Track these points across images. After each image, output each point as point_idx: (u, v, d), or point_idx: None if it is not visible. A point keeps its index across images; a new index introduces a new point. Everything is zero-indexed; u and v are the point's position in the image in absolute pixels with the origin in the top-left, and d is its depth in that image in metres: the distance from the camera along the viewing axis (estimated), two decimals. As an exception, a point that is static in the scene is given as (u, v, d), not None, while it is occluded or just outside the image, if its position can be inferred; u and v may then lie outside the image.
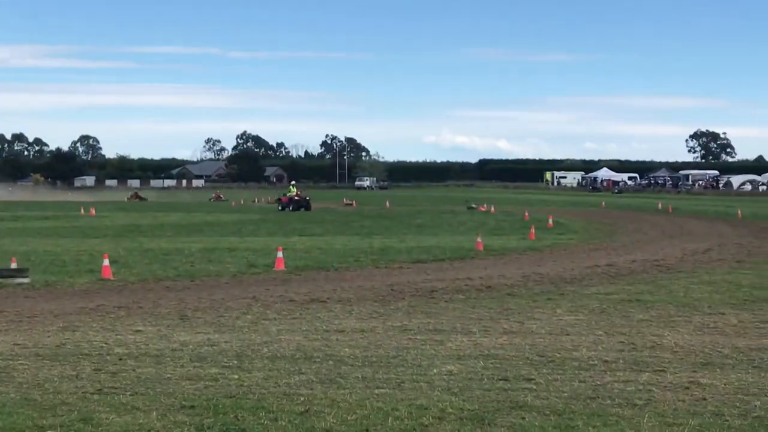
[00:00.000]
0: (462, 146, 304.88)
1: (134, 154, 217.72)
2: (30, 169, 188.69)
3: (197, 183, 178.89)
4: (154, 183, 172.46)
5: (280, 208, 70.36)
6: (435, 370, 12.61)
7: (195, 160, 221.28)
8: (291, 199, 70.23)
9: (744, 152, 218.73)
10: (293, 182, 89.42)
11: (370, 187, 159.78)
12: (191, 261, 28.89)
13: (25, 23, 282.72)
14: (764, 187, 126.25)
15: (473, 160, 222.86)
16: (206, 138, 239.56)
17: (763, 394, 11.33)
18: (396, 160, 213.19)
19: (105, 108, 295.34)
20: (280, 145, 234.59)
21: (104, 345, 14.74)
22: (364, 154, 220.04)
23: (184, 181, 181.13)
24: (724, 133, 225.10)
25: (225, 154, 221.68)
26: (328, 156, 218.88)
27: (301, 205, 69.22)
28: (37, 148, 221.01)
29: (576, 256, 31.46)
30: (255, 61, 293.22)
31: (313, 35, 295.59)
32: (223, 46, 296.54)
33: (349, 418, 9.97)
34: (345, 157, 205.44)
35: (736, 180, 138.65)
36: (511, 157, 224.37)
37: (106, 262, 25.32)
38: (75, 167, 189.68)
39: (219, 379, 12.13)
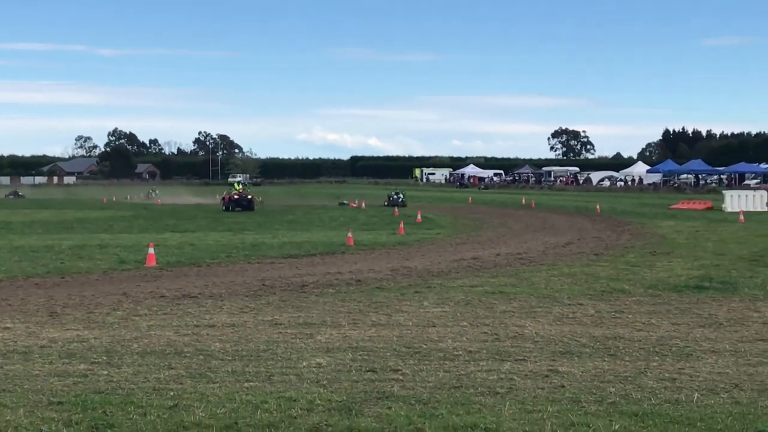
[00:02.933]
0: (333, 144, 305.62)
1: (3, 152, 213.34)
2: None
3: (69, 180, 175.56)
4: (24, 180, 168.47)
5: (223, 208, 63.03)
6: (304, 363, 12.62)
7: (66, 157, 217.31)
8: (230, 197, 63.99)
9: (603, 149, 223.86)
10: (238, 179, 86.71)
11: (243, 183, 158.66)
12: (61, 258, 28.29)
13: None
14: (621, 183, 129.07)
15: (345, 157, 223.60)
16: (77, 135, 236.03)
17: (618, 381, 11.61)
18: (269, 157, 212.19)
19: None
20: (153, 142, 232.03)
21: (-29, 342, 14.39)
22: (237, 151, 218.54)
23: (56, 178, 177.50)
24: (584, 132, 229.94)
25: (97, 151, 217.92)
26: (201, 153, 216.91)
27: (240, 204, 62.64)
28: None
29: (443, 250, 31.74)
30: (125, 58, 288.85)
31: (185, 34, 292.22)
32: (90, 43, 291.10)
33: (218, 411, 9.91)
34: (218, 154, 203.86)
35: (596, 176, 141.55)
36: (381, 154, 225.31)
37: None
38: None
39: (88, 375, 11.94)
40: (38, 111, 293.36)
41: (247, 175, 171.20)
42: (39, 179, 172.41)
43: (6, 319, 16.83)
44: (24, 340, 14.62)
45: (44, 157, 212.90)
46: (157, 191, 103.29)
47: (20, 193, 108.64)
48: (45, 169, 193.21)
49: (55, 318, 17.01)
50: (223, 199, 65.40)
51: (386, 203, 71.57)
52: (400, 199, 71.15)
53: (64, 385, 11.29)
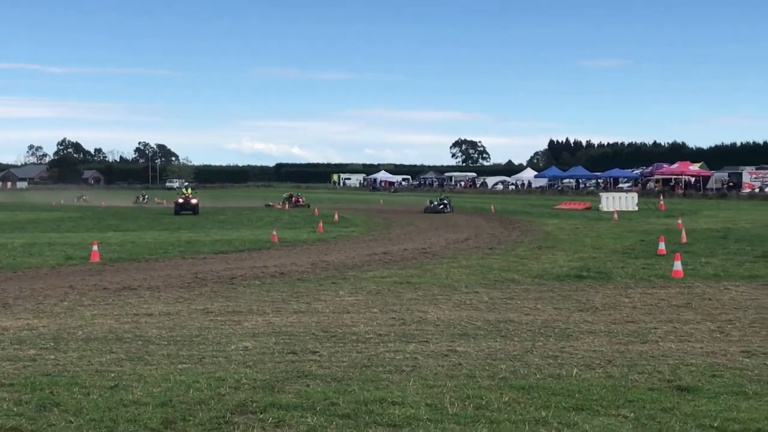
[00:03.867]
0: (260, 152, 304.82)
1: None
2: None
3: (21, 185, 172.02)
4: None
5: (174, 212, 58.04)
6: (232, 347, 12.54)
7: (19, 164, 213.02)
8: (176, 202, 60.07)
9: (496, 157, 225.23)
10: (186, 184, 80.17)
11: (179, 188, 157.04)
12: (13, 255, 27.71)
13: None
14: (513, 187, 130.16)
15: (271, 164, 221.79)
16: (29, 144, 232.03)
17: (508, 358, 11.72)
18: (202, 164, 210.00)
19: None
20: (98, 150, 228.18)
21: (-71, 332, 14.02)
22: (173, 158, 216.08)
23: (9, 183, 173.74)
24: (480, 142, 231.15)
25: (47, 159, 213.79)
26: (141, 160, 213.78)
27: (184, 208, 58.47)
28: None
29: (357, 246, 31.75)
30: (73, 75, 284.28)
31: (128, 55, 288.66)
32: (42, 61, 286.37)
33: (154, 390, 9.79)
34: (157, 161, 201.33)
35: (490, 180, 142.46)
36: (303, 162, 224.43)
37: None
38: None
39: (37, 359, 11.72)
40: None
41: (183, 180, 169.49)
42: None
43: (-38, 310, 16.46)
44: (-22, 328, 14.31)
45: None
46: (85, 197, 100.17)
47: None
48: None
49: (7, 308, 16.68)
50: (175, 203, 60.74)
51: (426, 209, 57.93)
52: (443, 206, 57.23)
53: (14, 369, 11.08)
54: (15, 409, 9.03)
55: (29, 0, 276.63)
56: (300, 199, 73.24)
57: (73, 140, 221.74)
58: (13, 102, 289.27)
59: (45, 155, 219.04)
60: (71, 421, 8.57)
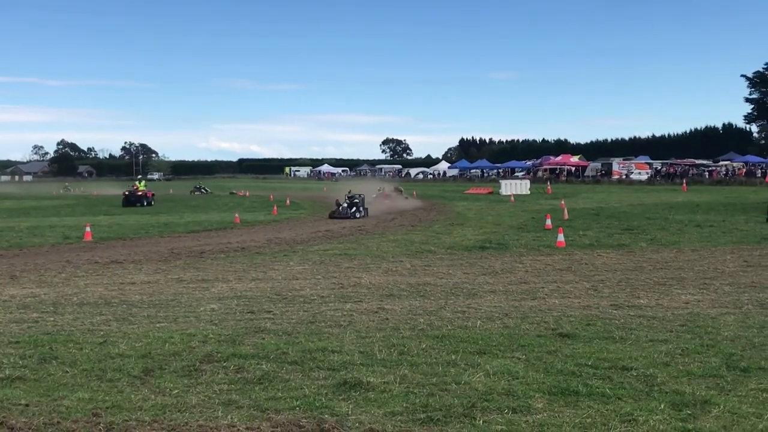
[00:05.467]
0: (225, 149, 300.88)
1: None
2: None
3: (26, 178, 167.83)
4: (2, 179, 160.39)
5: (122, 204, 48.61)
6: (201, 308, 12.40)
7: (24, 161, 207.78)
8: (124, 194, 51.22)
9: (418, 152, 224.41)
10: (139, 176, 68.66)
11: (159, 179, 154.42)
12: (20, 235, 27.05)
13: None
14: (431, 176, 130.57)
15: (234, 159, 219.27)
16: (33, 144, 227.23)
17: (425, 314, 11.76)
18: (178, 160, 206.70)
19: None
20: (91, 149, 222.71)
21: (-52, 300, 13.64)
22: (154, 155, 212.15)
23: (17, 177, 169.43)
24: (405, 140, 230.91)
25: (48, 157, 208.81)
26: (126, 157, 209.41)
27: (131, 201, 48.68)
28: None
29: (305, 225, 31.58)
30: (68, 87, 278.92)
31: (115, 68, 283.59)
32: (41, 76, 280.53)
33: (136, 345, 9.65)
34: (139, 158, 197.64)
35: (413, 171, 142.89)
36: (261, 157, 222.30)
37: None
38: None
39: (38, 321, 11.48)
40: (3, 127, 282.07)
41: (162, 173, 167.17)
42: (4, 178, 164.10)
43: (-25, 282, 16.05)
44: (-11, 297, 13.97)
45: (8, 161, 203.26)
46: (68, 186, 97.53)
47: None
48: (8, 170, 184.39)
49: (14, 280, 16.29)
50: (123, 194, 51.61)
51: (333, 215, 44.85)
52: (354, 209, 36.74)
53: (20, 329, 10.84)
54: (20, 362, 8.84)
55: (29, 21, 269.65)
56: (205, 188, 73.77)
57: (70, 141, 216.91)
58: (18, 109, 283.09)
59: (46, 153, 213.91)
60: (67, 371, 8.41)
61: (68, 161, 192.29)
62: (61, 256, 20.88)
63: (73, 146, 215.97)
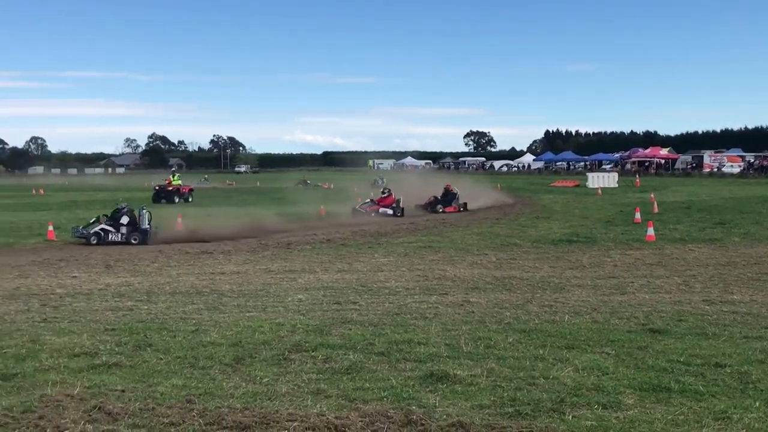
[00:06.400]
0: (310, 142, 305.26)
1: (72, 150, 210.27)
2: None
3: (119, 170, 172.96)
4: (87, 171, 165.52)
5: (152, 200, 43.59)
6: (289, 298, 12.58)
7: (117, 153, 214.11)
8: (154, 188, 47.26)
9: (502, 145, 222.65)
10: (173, 170, 63.24)
11: (246, 172, 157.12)
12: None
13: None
14: (515, 168, 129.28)
15: (318, 151, 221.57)
16: (125, 137, 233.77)
17: (512, 307, 11.68)
18: (264, 153, 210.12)
19: (50, 116, 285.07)
20: (181, 142, 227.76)
21: (49, 287, 14.17)
22: (241, 148, 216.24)
23: (110, 169, 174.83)
24: (489, 132, 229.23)
25: (139, 150, 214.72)
26: (215, 150, 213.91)
27: (160, 196, 44.35)
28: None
29: (388, 218, 31.67)
30: (157, 82, 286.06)
31: (206, 63, 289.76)
32: (131, 71, 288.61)
33: (227, 333, 9.85)
34: (227, 151, 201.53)
35: (497, 164, 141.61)
36: (344, 150, 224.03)
37: (51, 228, 24.31)
38: (28, 160, 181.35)
39: (133, 309, 11.82)
40: (97, 120, 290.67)
41: (249, 166, 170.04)
42: (97, 170, 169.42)
43: (74, 270, 16.65)
44: (87, 285, 14.46)
45: (101, 153, 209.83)
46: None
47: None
48: (101, 162, 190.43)
49: (110, 269, 16.84)
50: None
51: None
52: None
53: (116, 317, 11.19)
54: (116, 348, 9.11)
55: (122, 20, 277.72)
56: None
57: (161, 134, 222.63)
58: (111, 103, 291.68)
59: (138, 146, 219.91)
60: (161, 358, 8.64)
61: (159, 154, 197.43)
62: (155, 245, 21.47)
63: (164, 139, 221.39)
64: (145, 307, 12.01)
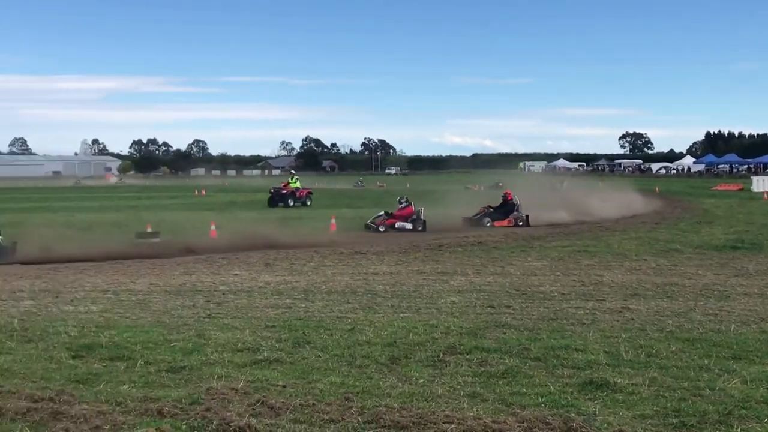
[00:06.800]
0: (459, 144, 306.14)
1: (231, 152, 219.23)
2: (160, 163, 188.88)
3: (275, 172, 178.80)
4: (245, 172, 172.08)
5: (268, 204, 43.74)
6: (442, 300, 12.62)
7: (273, 156, 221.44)
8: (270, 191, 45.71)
9: (660, 147, 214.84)
10: (292, 172, 58.11)
11: (396, 174, 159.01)
12: (269, 227, 28.74)
13: (153, 61, 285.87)
14: (674, 171, 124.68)
15: (467, 153, 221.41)
16: (281, 140, 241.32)
17: (674, 315, 11.26)
18: (413, 155, 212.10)
19: (211, 120, 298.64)
20: (333, 144, 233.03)
21: (212, 284, 14.82)
22: (391, 150, 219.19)
23: (266, 171, 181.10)
24: (645, 134, 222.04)
25: (294, 152, 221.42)
26: (366, 152, 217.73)
27: (275, 200, 43.48)
28: (164, 149, 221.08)
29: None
30: (312, 87, 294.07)
31: (356, 67, 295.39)
32: (288, 76, 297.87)
33: (382, 333, 9.98)
34: (378, 153, 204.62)
35: (655, 166, 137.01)
36: (494, 152, 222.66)
37: (213, 227, 25.39)
38: (190, 162, 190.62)
39: (291, 307, 12.17)
40: (255, 124, 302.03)
41: (399, 168, 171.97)
42: (255, 172, 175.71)
43: (235, 268, 17.32)
44: (247, 282, 15.02)
45: (258, 156, 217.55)
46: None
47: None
48: (259, 164, 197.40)
49: (269, 268, 17.41)
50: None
51: None
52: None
53: (275, 314, 11.54)
54: (276, 345, 9.40)
55: (279, 27, 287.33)
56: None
57: (314, 137, 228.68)
58: (268, 107, 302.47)
59: (293, 149, 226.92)
60: (320, 356, 8.85)
61: (313, 156, 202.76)
62: (309, 246, 22.05)
63: (317, 142, 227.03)
64: (303, 305, 12.34)
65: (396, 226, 27.27)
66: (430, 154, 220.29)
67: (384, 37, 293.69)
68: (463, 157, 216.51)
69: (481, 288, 13.98)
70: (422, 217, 27.91)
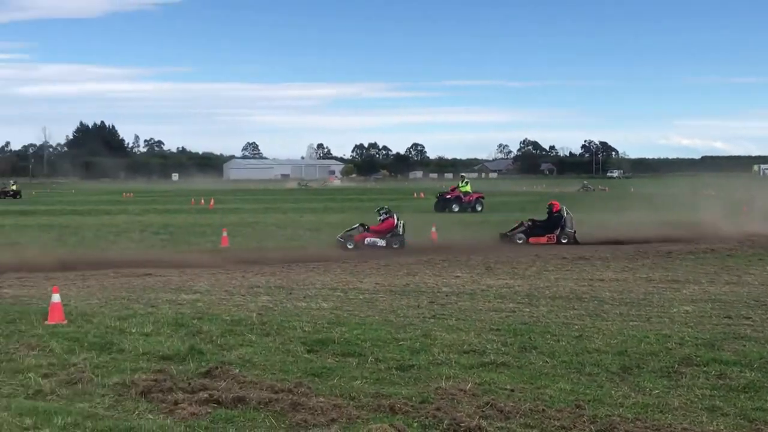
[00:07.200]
0: (686, 146, 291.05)
1: (449, 155, 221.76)
2: (380, 167, 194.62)
3: (492, 176, 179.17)
4: (463, 175, 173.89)
5: (434, 208, 42.49)
6: (674, 310, 12.11)
7: (490, 159, 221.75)
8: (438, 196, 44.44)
9: None
10: (462, 175, 57.31)
11: (618, 177, 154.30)
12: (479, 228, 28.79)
13: (370, 69, 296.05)
14: None
15: (696, 156, 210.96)
16: (498, 143, 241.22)
17: None
18: (637, 157, 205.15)
19: (429, 124, 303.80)
20: (552, 147, 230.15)
21: (435, 285, 15.08)
22: (613, 152, 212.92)
23: (483, 174, 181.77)
24: None
25: (511, 155, 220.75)
26: (586, 155, 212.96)
27: (446, 205, 42.10)
28: (384, 152, 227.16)
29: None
30: (530, 88, 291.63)
31: (575, 70, 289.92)
32: (503, 79, 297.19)
33: (612, 341, 9.72)
34: (599, 155, 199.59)
35: None
36: (726, 154, 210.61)
37: (434, 229, 25.77)
38: (408, 165, 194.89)
39: (515, 311, 12.13)
40: (472, 127, 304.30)
41: (621, 171, 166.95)
42: (472, 175, 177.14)
43: (456, 270, 17.52)
44: (470, 285, 15.14)
45: (475, 159, 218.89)
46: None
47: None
48: (475, 167, 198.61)
49: (490, 271, 17.46)
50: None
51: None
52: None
53: (499, 317, 11.55)
54: (502, 348, 9.41)
55: (493, 33, 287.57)
56: None
57: (532, 139, 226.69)
58: (485, 110, 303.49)
59: (510, 152, 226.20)
60: (547, 361, 8.77)
61: (531, 159, 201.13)
62: (530, 250, 21.93)
63: (535, 144, 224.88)
64: (527, 309, 12.26)
65: (366, 242, 23.08)
66: (655, 157, 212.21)
67: (603, 39, 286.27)
68: (691, 160, 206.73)
69: (717, 297, 13.28)
70: (401, 232, 23.49)
